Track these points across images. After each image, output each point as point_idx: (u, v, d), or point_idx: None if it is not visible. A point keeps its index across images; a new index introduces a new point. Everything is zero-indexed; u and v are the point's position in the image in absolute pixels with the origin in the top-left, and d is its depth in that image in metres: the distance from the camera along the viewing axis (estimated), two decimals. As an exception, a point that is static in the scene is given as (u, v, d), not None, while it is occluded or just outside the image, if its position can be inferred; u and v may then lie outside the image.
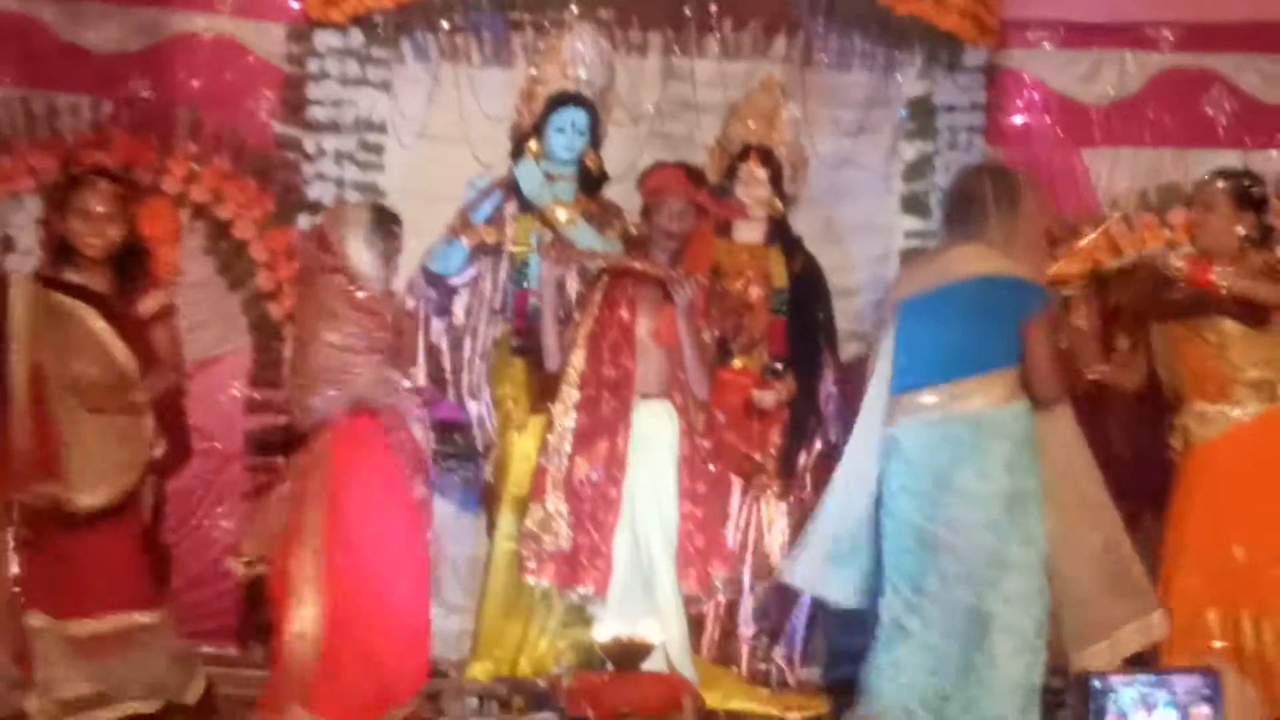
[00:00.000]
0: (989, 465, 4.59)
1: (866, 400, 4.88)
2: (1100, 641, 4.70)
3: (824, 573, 4.92)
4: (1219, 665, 4.83)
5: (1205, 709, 4.67)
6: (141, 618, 4.84)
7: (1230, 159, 6.32)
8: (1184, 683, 4.73)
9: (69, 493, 4.64)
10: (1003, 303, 4.65)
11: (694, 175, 5.52)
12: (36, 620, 4.68)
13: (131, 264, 4.93)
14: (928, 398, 4.66)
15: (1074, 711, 4.85)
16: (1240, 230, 5.05)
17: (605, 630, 4.50)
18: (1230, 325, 5.00)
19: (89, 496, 4.68)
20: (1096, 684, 4.69)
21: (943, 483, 4.60)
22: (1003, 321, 4.64)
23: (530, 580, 5.22)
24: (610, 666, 4.35)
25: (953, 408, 4.63)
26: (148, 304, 4.94)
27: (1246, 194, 5.12)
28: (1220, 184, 5.15)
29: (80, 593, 4.71)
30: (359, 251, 4.97)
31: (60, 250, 4.84)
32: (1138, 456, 5.34)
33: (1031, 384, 4.67)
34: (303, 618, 4.77)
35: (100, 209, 4.81)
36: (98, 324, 4.72)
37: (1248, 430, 5.01)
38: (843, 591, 4.95)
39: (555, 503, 5.15)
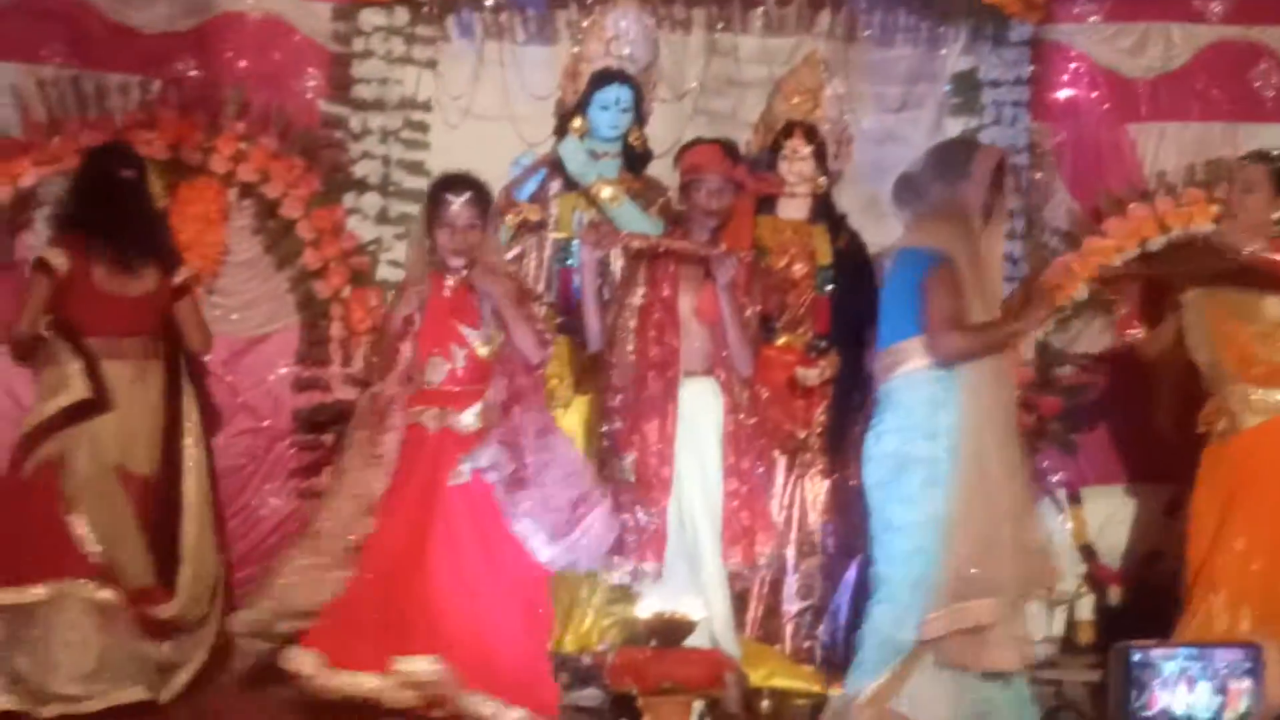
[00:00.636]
0: (881, 429, 4.75)
1: None
2: (941, 608, 4.59)
3: None
4: (1261, 639, 4.82)
5: (1246, 682, 4.66)
6: None
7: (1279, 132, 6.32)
8: (1225, 656, 4.72)
9: None
10: (902, 275, 4.78)
11: (731, 151, 5.47)
12: None
13: None
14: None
15: (1113, 682, 4.80)
16: (1276, 215, 5.04)
17: (649, 607, 4.52)
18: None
19: None
20: (1136, 656, 4.68)
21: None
22: (903, 294, 4.75)
23: (617, 572, 5.18)
24: (654, 643, 4.36)
25: (880, 380, 4.84)
26: None
27: None
28: (1265, 165, 5.13)
29: None
30: None
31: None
32: (1185, 440, 5.30)
33: (927, 345, 4.69)
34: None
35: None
36: None
37: None
38: None
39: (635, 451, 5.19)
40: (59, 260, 5.18)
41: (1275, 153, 5.35)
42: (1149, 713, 4.62)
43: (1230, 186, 5.37)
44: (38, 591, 4.93)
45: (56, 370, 5.17)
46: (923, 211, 4.85)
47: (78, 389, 5.10)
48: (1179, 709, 4.61)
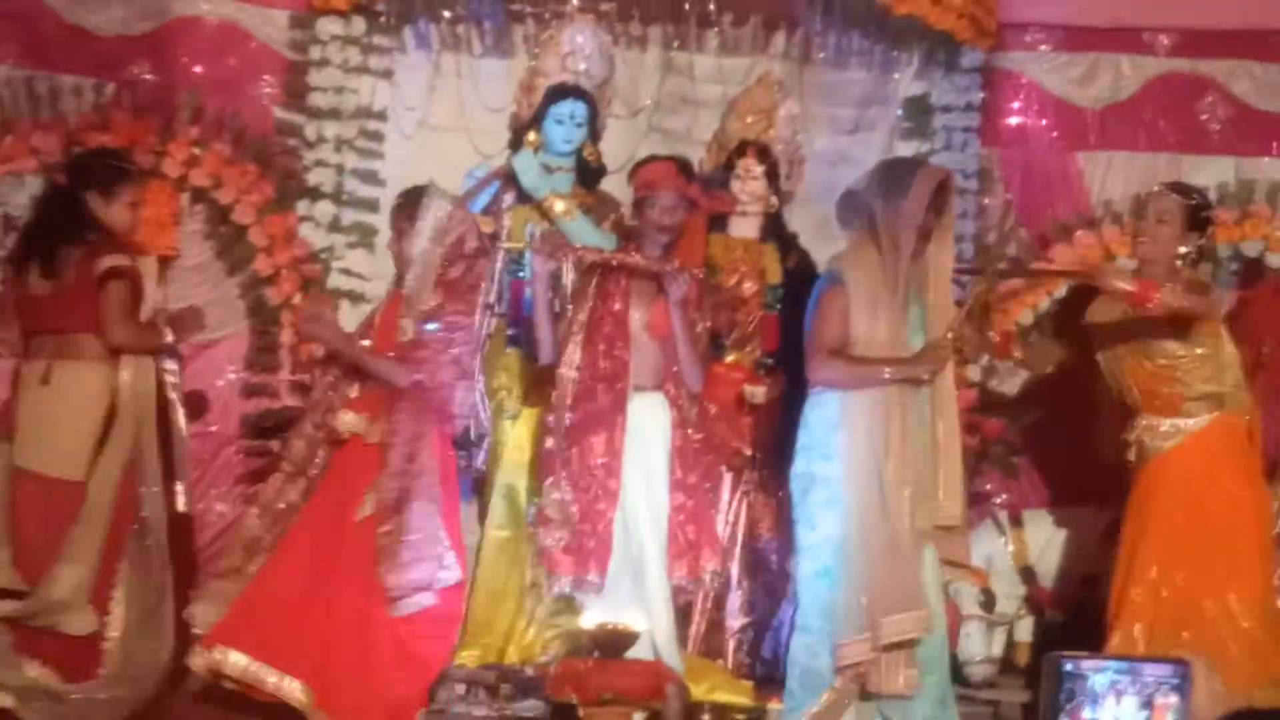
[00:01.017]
0: (797, 449, 4.86)
1: None
2: (865, 631, 4.63)
3: None
4: (1190, 657, 4.87)
5: (1173, 698, 4.72)
6: None
7: (1224, 165, 6.43)
8: (1154, 671, 4.78)
9: None
10: (813, 294, 4.93)
11: (685, 169, 5.51)
12: None
13: None
14: None
15: (1045, 692, 4.86)
16: (1183, 249, 5.12)
17: (592, 618, 4.53)
18: (1174, 346, 5.08)
19: None
20: (1068, 666, 4.74)
21: None
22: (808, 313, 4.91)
23: (552, 582, 5.19)
24: (596, 654, 4.37)
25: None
26: None
27: (1198, 215, 5.23)
28: (1180, 199, 5.21)
29: None
30: None
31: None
32: (1123, 465, 5.37)
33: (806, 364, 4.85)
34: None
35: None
36: None
37: (1197, 439, 5.13)
38: None
39: (567, 487, 5.17)
40: None
41: (1194, 189, 5.41)
42: None
43: (1143, 213, 5.41)
44: None
45: None
46: (856, 228, 4.87)
47: None
48: None
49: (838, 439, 4.71)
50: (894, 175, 4.95)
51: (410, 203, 5.30)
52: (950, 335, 4.93)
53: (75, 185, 5.40)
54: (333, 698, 4.89)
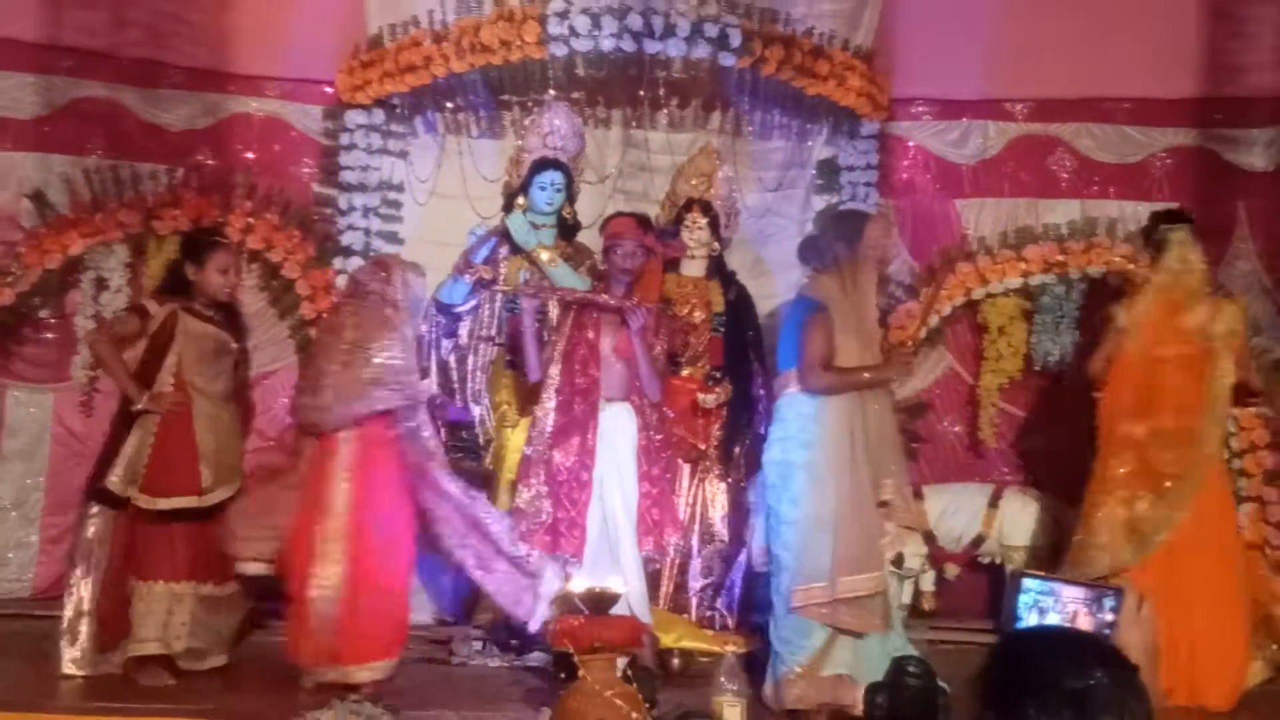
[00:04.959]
0: (771, 441, 4.76)
1: None
2: (823, 580, 4.57)
3: None
4: (1126, 585, 4.82)
5: (1101, 616, 4.73)
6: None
7: (1072, 206, 6.45)
8: (1091, 591, 4.78)
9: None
10: (792, 317, 4.80)
11: (643, 222, 5.54)
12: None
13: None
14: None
15: (1007, 599, 4.95)
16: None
17: (580, 583, 4.58)
18: None
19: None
20: (1027, 581, 4.83)
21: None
22: (789, 332, 4.77)
23: (522, 549, 5.26)
24: (585, 612, 4.42)
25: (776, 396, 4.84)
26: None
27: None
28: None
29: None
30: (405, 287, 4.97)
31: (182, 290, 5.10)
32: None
33: (799, 377, 4.70)
34: (328, 576, 4.68)
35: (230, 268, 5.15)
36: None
37: None
38: None
39: (539, 485, 5.23)
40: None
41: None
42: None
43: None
44: None
45: None
46: (821, 265, 4.82)
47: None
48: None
49: (815, 431, 4.63)
50: (849, 222, 4.92)
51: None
52: (911, 346, 5.06)
53: (179, 256, 5.31)
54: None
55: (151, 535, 4.94)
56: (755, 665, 4.88)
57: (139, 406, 4.95)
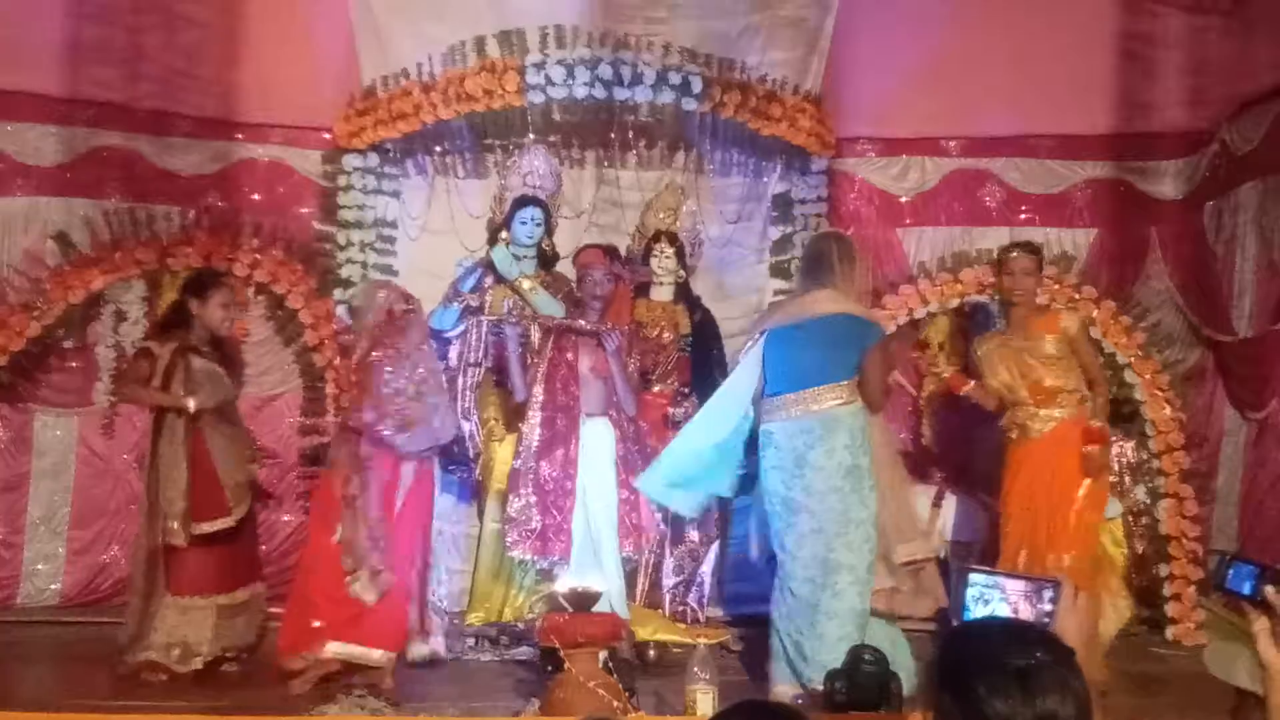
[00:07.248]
0: (835, 446, 4.49)
1: (729, 381, 4.86)
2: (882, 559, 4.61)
3: (668, 493, 4.86)
4: (1063, 579, 4.80)
5: (1041, 606, 4.66)
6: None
7: (1001, 234, 6.41)
8: (1031, 584, 4.69)
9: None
10: (848, 334, 4.56)
11: (610, 252, 5.59)
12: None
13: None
14: (789, 400, 4.57)
15: (954, 594, 4.80)
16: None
17: (565, 583, 4.57)
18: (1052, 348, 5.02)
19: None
20: (973, 575, 4.74)
21: (801, 461, 4.51)
22: (846, 347, 4.55)
23: (515, 554, 5.26)
24: (569, 609, 4.41)
25: (809, 407, 4.52)
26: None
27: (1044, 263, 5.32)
28: (1034, 256, 5.13)
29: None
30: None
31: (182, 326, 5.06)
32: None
33: (864, 394, 4.57)
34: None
35: (231, 303, 5.13)
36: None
37: (1061, 429, 4.97)
38: (686, 506, 4.96)
39: (528, 495, 5.20)
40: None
41: (1038, 246, 5.33)
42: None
43: (1009, 269, 5.10)
44: None
45: None
46: (837, 284, 4.64)
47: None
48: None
49: (864, 440, 4.53)
50: (848, 245, 4.79)
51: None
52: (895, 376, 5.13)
53: (181, 295, 5.26)
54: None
55: (186, 555, 4.94)
56: (752, 660, 4.89)
57: (193, 408, 4.93)
